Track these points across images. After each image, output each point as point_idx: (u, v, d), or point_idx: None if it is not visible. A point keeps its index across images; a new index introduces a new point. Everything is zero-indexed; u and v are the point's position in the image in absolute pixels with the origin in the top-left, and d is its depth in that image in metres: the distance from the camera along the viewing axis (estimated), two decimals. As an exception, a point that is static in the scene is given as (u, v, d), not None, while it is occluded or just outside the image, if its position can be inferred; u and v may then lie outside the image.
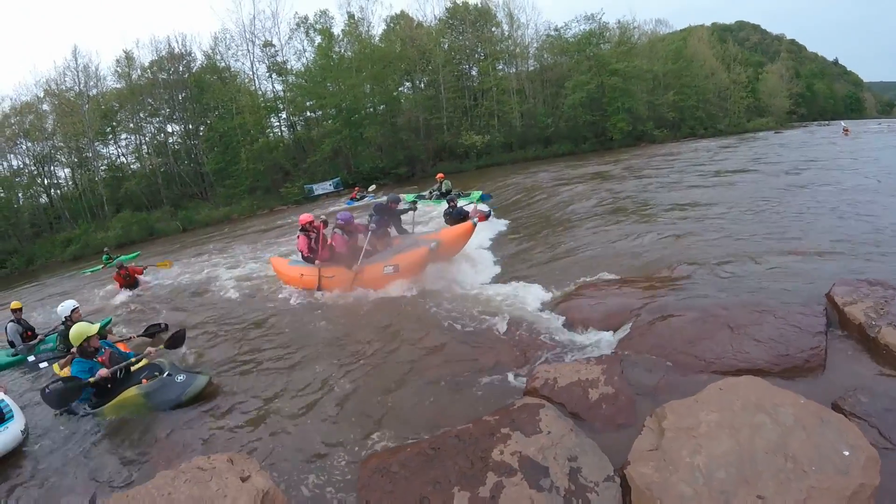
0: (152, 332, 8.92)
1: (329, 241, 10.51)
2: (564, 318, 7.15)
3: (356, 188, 34.18)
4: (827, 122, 69.95)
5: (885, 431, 3.91)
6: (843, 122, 49.65)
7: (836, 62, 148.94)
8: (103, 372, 6.26)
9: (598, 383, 4.97)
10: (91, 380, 6.20)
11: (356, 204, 29.43)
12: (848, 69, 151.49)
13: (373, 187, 34.23)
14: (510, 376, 5.90)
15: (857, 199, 12.36)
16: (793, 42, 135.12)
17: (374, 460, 4.31)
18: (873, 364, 4.90)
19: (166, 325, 9.15)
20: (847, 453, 3.21)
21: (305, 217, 10.77)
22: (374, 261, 9.92)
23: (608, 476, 3.71)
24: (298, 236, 10.68)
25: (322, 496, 4.39)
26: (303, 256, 10.73)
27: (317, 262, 10.33)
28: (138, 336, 8.76)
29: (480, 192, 20.28)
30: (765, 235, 9.82)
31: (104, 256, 25.68)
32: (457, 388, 5.86)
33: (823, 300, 6.04)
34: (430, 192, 21.97)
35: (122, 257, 25.41)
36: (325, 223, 10.97)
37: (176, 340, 7.61)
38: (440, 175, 22.44)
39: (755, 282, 7.22)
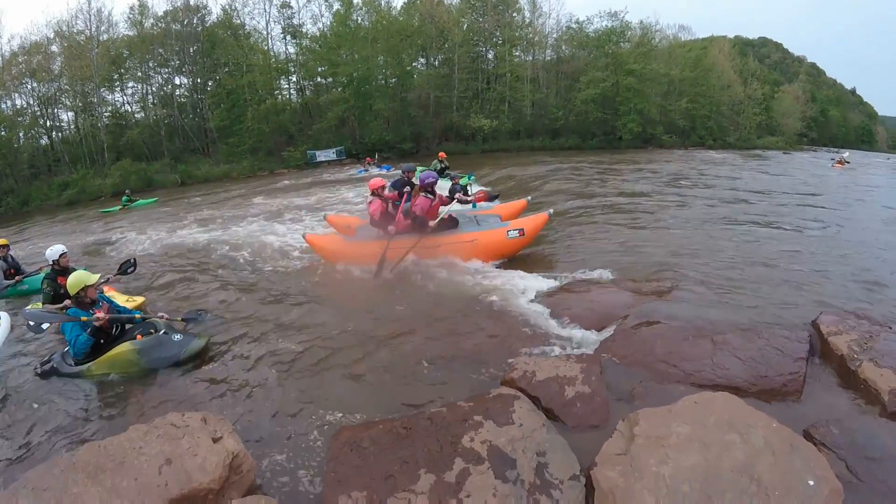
0: (125, 269, 8.71)
1: (412, 203, 9.54)
2: (550, 312, 7.08)
3: (368, 158, 34.28)
4: (836, 150, 69.84)
5: (852, 466, 3.85)
6: (837, 154, 47.48)
7: (853, 91, 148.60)
8: (101, 315, 6.02)
9: (576, 382, 4.94)
10: (95, 323, 5.97)
11: (364, 174, 29.50)
12: (864, 100, 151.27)
13: (368, 159, 34.32)
14: (489, 364, 5.86)
15: (858, 232, 12.34)
16: (813, 66, 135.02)
17: (346, 433, 4.26)
18: (850, 397, 4.91)
19: (135, 261, 8.93)
20: (812, 483, 3.22)
21: (378, 181, 9.97)
22: (469, 229, 9.75)
23: (574, 475, 3.67)
24: (370, 202, 9.75)
25: (291, 463, 4.36)
26: (373, 222, 9.76)
27: (391, 227, 9.45)
28: (113, 277, 8.55)
29: (470, 174, 20.38)
30: (760, 255, 9.76)
31: (124, 198, 26.22)
32: (435, 371, 5.85)
33: (809, 327, 6.05)
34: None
35: (141, 201, 25.94)
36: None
37: (195, 318, 7.43)
38: (442, 154, 22.55)
39: (743, 300, 7.25)
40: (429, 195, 9.65)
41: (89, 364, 6.05)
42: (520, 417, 4.18)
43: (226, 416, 4.56)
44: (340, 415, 4.96)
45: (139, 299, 8.50)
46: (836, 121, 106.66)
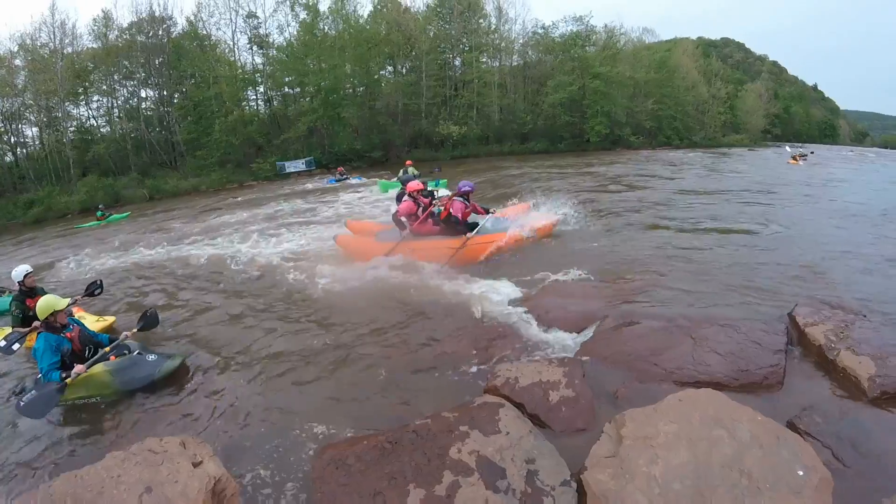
0: (91, 290, 8.59)
1: (446, 209, 10.65)
2: (530, 316, 7.12)
3: (339, 168, 34.32)
4: (800, 145, 71.10)
5: (838, 453, 3.95)
6: (787, 148, 47.32)
7: (815, 87, 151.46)
8: (79, 368, 5.83)
9: (559, 385, 4.95)
10: (68, 380, 5.74)
11: (336, 183, 29.59)
12: (826, 95, 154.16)
13: (340, 169, 34.17)
14: (472, 372, 5.88)
15: (829, 225, 12.65)
16: (775, 64, 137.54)
17: (329, 451, 4.22)
18: (830, 386, 5.00)
19: (101, 283, 8.83)
20: (801, 473, 3.25)
21: (416, 184, 11.02)
22: (490, 230, 10.58)
23: (564, 480, 3.68)
24: (404, 201, 10.84)
25: (276, 485, 4.29)
26: (395, 218, 10.87)
27: (405, 232, 10.51)
28: (81, 299, 8.42)
29: (437, 181, 21.09)
30: (733, 251, 9.98)
31: (98, 212, 25.91)
32: (417, 381, 5.84)
33: (785, 319, 6.18)
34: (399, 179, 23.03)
35: (115, 216, 25.51)
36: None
37: (149, 321, 7.26)
38: (409, 162, 24.14)
39: (720, 296, 7.34)
40: (465, 201, 10.77)
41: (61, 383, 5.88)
42: (506, 425, 4.17)
43: (205, 439, 4.52)
44: (323, 431, 4.91)
45: (110, 319, 8.39)
46: (799, 116, 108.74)
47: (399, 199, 11.54)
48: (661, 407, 3.92)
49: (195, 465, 3.75)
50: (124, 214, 26.72)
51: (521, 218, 11.46)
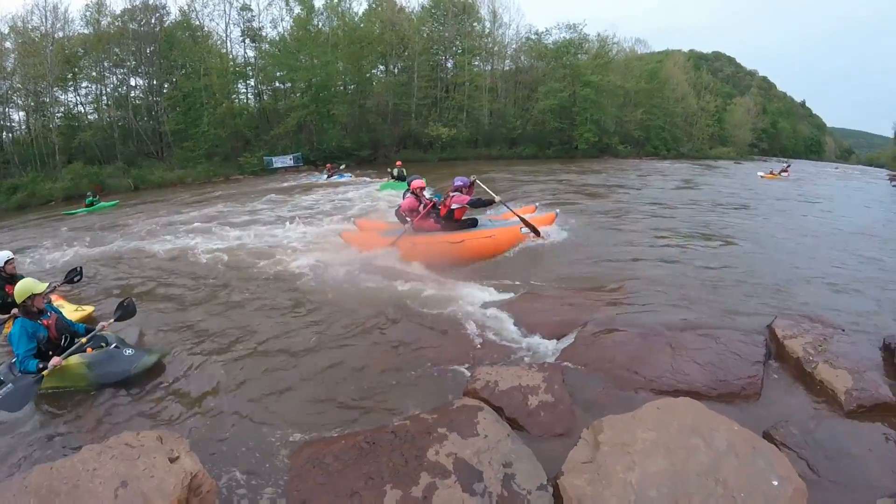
0: (71, 277, 8.55)
1: (445, 205, 10.94)
2: (511, 320, 7.11)
3: (329, 165, 34.09)
4: (786, 161, 71.71)
5: (813, 464, 3.99)
6: (776, 164, 46.17)
7: (803, 104, 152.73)
8: (56, 360, 5.74)
9: (539, 390, 4.97)
10: (45, 372, 5.66)
11: (326, 180, 29.52)
12: (814, 112, 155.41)
13: (343, 166, 33.92)
14: (452, 374, 5.88)
15: (810, 241, 12.77)
16: (764, 79, 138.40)
17: (307, 449, 4.23)
18: (807, 398, 5.06)
19: (81, 269, 8.78)
20: (776, 483, 3.27)
21: (420, 182, 11.48)
22: (490, 226, 11.04)
23: (541, 485, 3.69)
24: (406, 197, 11.43)
25: (253, 482, 4.25)
26: (397, 213, 11.45)
27: (407, 227, 10.79)
28: (60, 286, 8.34)
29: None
30: (715, 262, 10.02)
31: (88, 199, 25.60)
32: (397, 382, 5.82)
33: (764, 331, 6.24)
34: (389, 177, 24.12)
35: (103, 203, 25.28)
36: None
37: (126, 312, 7.11)
38: (399, 162, 25.28)
39: (700, 306, 7.39)
40: (462, 195, 10.95)
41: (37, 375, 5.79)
42: (484, 428, 4.18)
43: (182, 435, 4.45)
44: (302, 430, 4.88)
45: (88, 309, 8.26)
46: (787, 132, 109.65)
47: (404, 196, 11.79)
48: (640, 414, 3.93)
49: (172, 460, 3.71)
50: (112, 202, 26.48)
51: (521, 216, 11.49)
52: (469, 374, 5.59)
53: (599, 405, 4.96)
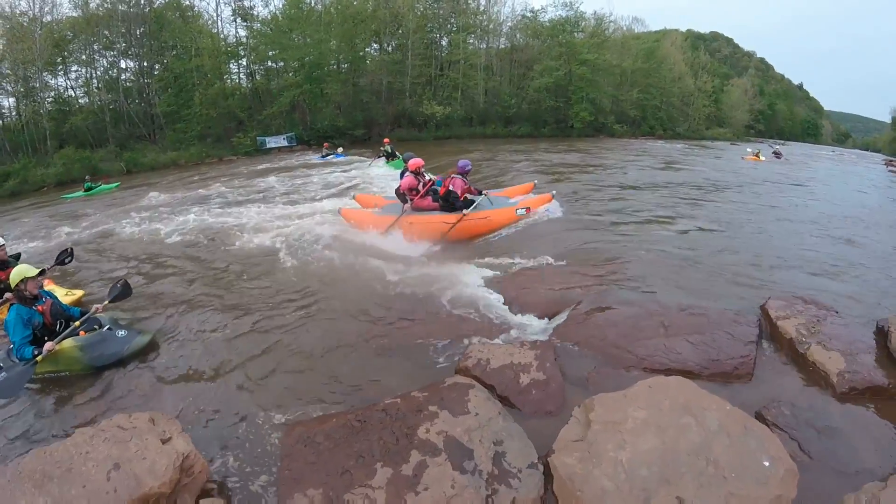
0: (62, 259, 8.55)
1: (444, 186, 11.08)
2: (503, 299, 7.13)
3: (325, 144, 34.08)
4: (782, 142, 71.73)
5: (804, 445, 4.01)
6: (749, 148, 44.13)
7: (800, 87, 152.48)
8: (49, 346, 5.74)
9: (531, 368, 4.98)
10: (39, 358, 5.66)
11: (323, 160, 29.47)
12: (811, 95, 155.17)
13: (340, 148, 33.73)
14: (443, 352, 5.90)
15: (806, 223, 12.75)
16: (762, 60, 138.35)
17: (298, 428, 4.21)
18: (799, 379, 5.05)
19: (72, 250, 8.76)
20: (767, 464, 3.27)
21: (418, 161, 11.54)
22: (485, 207, 11.09)
23: (532, 463, 3.69)
24: (406, 176, 11.29)
25: (245, 462, 4.28)
26: (398, 193, 11.45)
27: (406, 206, 10.98)
28: (51, 268, 8.30)
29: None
30: (709, 242, 10.11)
31: (86, 184, 25.45)
32: (388, 360, 5.86)
33: (758, 311, 6.26)
34: (380, 155, 25.02)
35: (103, 186, 25.25)
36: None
37: (120, 293, 7.16)
38: (387, 140, 26.08)
39: (693, 286, 7.41)
40: (464, 179, 11.28)
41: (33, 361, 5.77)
42: (475, 406, 4.19)
43: (174, 415, 4.52)
44: (293, 409, 4.90)
45: (78, 293, 8.25)
46: (783, 114, 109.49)
47: (402, 175, 11.80)
48: (631, 393, 3.94)
49: (163, 441, 3.75)
50: (113, 185, 26.45)
51: (518, 197, 11.92)
52: (461, 353, 5.58)
53: (591, 383, 4.97)
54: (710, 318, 5.92)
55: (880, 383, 4.73)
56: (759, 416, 4.23)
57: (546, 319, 6.50)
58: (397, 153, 23.79)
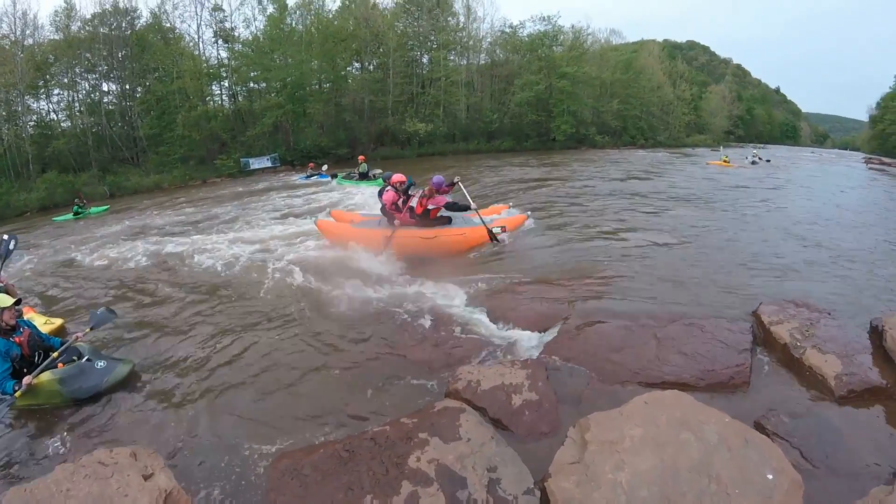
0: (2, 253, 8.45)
1: (420, 204, 10.99)
2: (491, 316, 7.06)
3: (311, 164, 33.87)
4: (762, 145, 72.42)
5: (807, 453, 3.96)
6: (752, 150, 44.89)
7: (777, 90, 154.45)
8: (27, 380, 5.61)
9: (522, 388, 4.88)
10: (17, 394, 5.54)
11: (307, 180, 29.13)
12: (788, 98, 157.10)
13: (325, 167, 33.52)
14: (431, 375, 5.80)
15: (789, 226, 12.78)
16: (739, 67, 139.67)
17: (284, 460, 4.11)
18: (796, 384, 5.02)
19: (11, 240, 8.67)
20: (771, 477, 3.20)
21: (400, 177, 11.37)
22: (464, 224, 11.10)
23: (528, 489, 3.62)
24: (387, 191, 11.22)
25: (229, 495, 4.20)
26: (384, 210, 11.37)
27: (396, 221, 10.92)
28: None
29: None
30: (696, 250, 10.06)
31: (75, 207, 25.24)
32: (376, 385, 5.73)
33: (750, 318, 6.24)
34: (350, 174, 25.45)
35: (93, 209, 25.10)
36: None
37: (101, 320, 7.06)
38: (362, 157, 26.27)
39: (683, 294, 7.37)
40: (446, 196, 11.37)
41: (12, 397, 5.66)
42: (467, 431, 4.11)
43: (157, 449, 4.40)
44: (278, 438, 4.81)
45: (57, 321, 8.14)
46: (762, 118, 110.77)
47: (381, 193, 11.71)
48: (627, 410, 3.88)
49: (146, 477, 3.69)
50: (103, 208, 26.34)
51: (494, 215, 11.91)
52: (450, 375, 5.48)
53: (585, 400, 4.90)
54: (703, 327, 5.90)
55: (878, 384, 4.74)
56: (759, 426, 4.20)
57: (536, 335, 6.41)
58: (372, 174, 24.34)
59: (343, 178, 25.64)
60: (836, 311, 6.29)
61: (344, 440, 4.25)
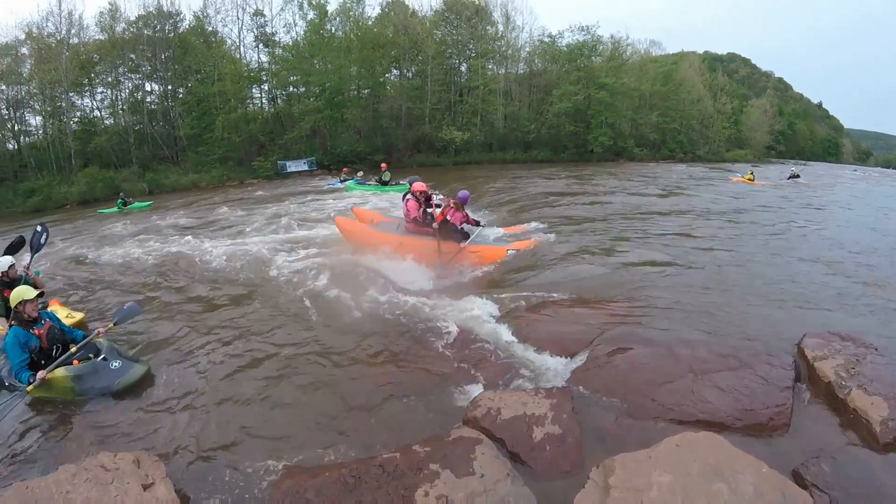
0: (13, 243, 8.51)
1: (442, 214, 11.02)
2: (516, 338, 6.74)
3: (345, 168, 33.87)
4: (803, 163, 71.15)
5: None
6: (792, 167, 43.75)
7: (819, 105, 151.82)
8: (42, 374, 5.69)
9: (545, 420, 4.60)
10: (29, 389, 5.62)
11: (340, 185, 29.12)
12: (830, 113, 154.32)
13: (360, 173, 33.60)
14: (449, 398, 5.58)
15: (835, 250, 12.30)
16: (780, 80, 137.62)
17: (288, 482, 3.98)
18: (839, 429, 4.71)
19: (21, 239, 8.70)
20: None
21: (421, 185, 11.29)
22: (479, 242, 11.06)
23: (543, 537, 3.36)
24: (408, 200, 11.26)
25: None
26: (406, 220, 11.39)
27: (424, 228, 10.99)
28: (31, 265, 8.17)
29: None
30: (735, 274, 9.58)
31: (119, 202, 26.24)
32: (389, 405, 5.54)
33: (792, 350, 5.86)
34: (372, 179, 26.21)
35: (137, 204, 25.98)
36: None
37: (125, 315, 7.04)
38: (384, 165, 27.13)
39: (721, 323, 6.93)
40: (463, 210, 11.32)
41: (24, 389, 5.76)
42: (482, 466, 3.91)
43: (161, 457, 4.38)
44: (285, 455, 4.67)
45: (78, 315, 8.25)
46: (803, 134, 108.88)
47: (405, 198, 11.67)
48: (656, 453, 3.68)
49: (145, 486, 3.68)
50: (147, 203, 27.10)
51: (514, 234, 12.11)
52: (468, 399, 5.26)
53: (612, 437, 4.63)
54: (742, 359, 5.57)
55: (927, 431, 4.43)
56: (797, 476, 3.96)
57: (563, 360, 6.10)
58: (393, 181, 24.81)
59: (356, 183, 26.21)
60: (884, 347, 5.89)
61: (351, 464, 4.11)
